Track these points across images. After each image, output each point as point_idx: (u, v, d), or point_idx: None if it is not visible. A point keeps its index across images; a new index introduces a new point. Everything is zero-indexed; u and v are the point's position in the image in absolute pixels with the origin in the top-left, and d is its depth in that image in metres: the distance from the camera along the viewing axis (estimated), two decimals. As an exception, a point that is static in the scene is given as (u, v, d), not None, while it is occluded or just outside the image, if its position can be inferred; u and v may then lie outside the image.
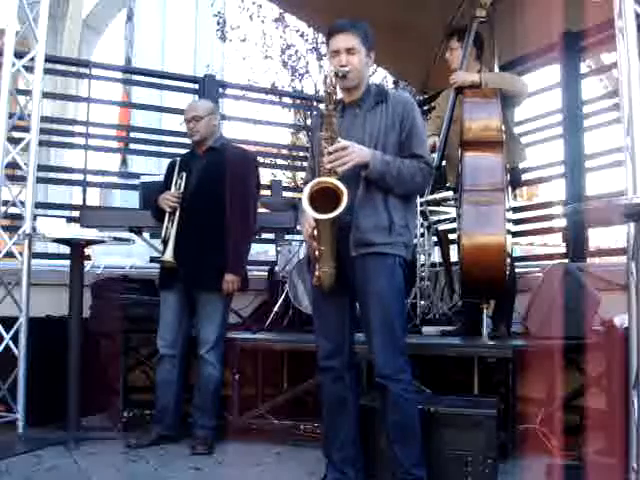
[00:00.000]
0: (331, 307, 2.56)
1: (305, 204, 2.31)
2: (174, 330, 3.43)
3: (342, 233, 2.42)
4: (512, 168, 3.66)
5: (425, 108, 5.79)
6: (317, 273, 2.46)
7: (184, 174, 3.43)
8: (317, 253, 2.42)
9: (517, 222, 4.93)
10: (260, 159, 6.64)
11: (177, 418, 3.47)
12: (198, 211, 3.37)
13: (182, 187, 3.42)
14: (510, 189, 3.61)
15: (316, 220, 2.35)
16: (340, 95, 2.56)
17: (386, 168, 2.41)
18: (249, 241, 3.53)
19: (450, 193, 4.02)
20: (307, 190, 2.33)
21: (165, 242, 3.39)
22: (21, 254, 3.67)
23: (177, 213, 3.39)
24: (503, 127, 3.44)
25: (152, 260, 4.69)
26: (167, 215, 3.40)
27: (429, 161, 2.53)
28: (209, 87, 5.54)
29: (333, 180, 2.33)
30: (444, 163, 3.86)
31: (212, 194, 3.36)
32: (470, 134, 3.42)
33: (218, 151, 3.48)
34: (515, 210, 4.86)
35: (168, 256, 3.34)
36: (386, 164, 2.42)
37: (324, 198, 2.30)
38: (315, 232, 2.42)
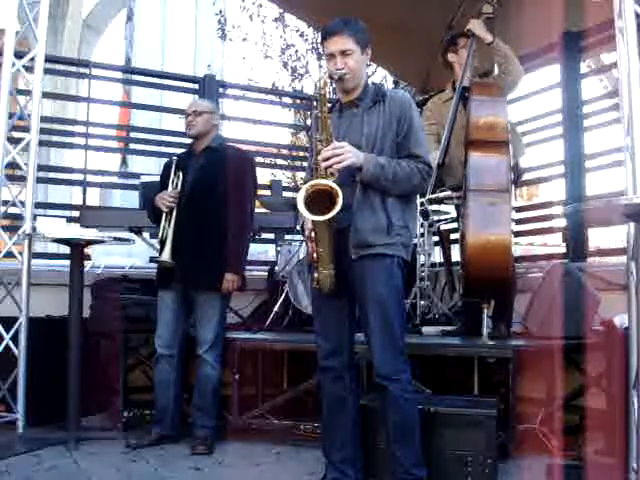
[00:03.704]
0: (331, 307, 2.56)
1: (300, 206, 2.30)
2: (172, 330, 3.43)
3: (341, 235, 2.42)
4: (513, 165, 3.64)
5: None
6: (316, 275, 2.46)
7: (180, 173, 3.41)
8: (315, 255, 2.43)
9: (517, 222, 4.93)
10: (260, 159, 6.67)
11: (177, 418, 3.47)
12: (195, 210, 3.35)
13: (179, 186, 3.40)
14: (513, 187, 3.59)
15: (313, 222, 2.35)
16: (335, 96, 2.55)
17: (380, 172, 2.40)
18: (248, 240, 3.52)
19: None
20: (302, 193, 2.32)
21: (163, 242, 3.36)
22: (21, 254, 3.67)
23: (174, 213, 3.37)
24: (509, 126, 3.42)
25: (152, 260, 4.69)
26: (164, 215, 3.37)
27: (427, 160, 2.51)
28: (209, 87, 5.53)
29: (328, 182, 2.32)
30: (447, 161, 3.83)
31: (209, 193, 3.35)
32: (476, 133, 3.40)
33: (215, 150, 3.46)
34: (515, 210, 4.86)
35: (166, 256, 3.32)
36: (381, 167, 2.40)
37: (320, 200, 2.30)
38: (313, 234, 2.41)
